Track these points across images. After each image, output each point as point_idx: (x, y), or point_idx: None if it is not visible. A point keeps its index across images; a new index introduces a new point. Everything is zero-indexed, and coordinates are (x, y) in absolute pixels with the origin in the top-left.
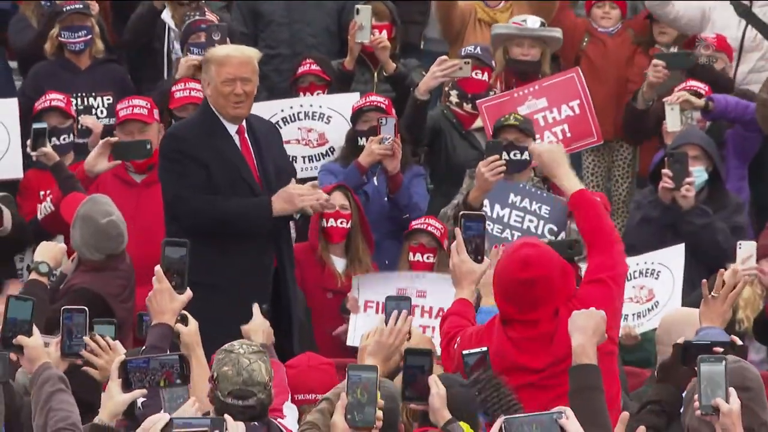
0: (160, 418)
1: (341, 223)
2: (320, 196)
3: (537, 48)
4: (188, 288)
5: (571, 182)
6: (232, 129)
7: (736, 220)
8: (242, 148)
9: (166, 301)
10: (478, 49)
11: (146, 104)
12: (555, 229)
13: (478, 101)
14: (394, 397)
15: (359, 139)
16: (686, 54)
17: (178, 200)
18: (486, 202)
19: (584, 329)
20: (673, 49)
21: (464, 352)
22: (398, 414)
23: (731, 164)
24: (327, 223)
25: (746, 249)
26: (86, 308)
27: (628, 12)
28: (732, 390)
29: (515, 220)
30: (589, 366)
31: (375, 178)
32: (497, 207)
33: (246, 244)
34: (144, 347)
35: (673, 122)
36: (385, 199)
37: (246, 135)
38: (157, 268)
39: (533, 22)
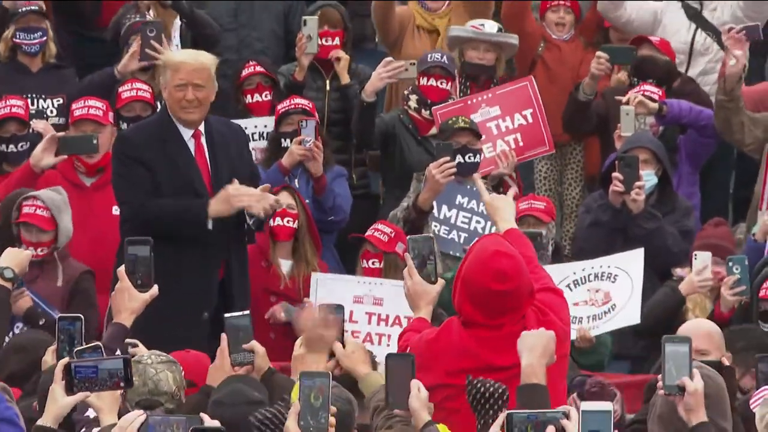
0: (137, 416)
1: (288, 222)
2: (264, 197)
3: (492, 52)
4: (155, 286)
5: (506, 225)
6: (187, 134)
7: (685, 223)
8: (196, 154)
9: (125, 300)
10: (444, 57)
11: (102, 105)
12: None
13: (433, 108)
14: (350, 400)
15: (282, 140)
16: (630, 49)
17: (123, 203)
18: (433, 203)
19: (533, 349)
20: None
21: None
22: (353, 419)
23: (683, 170)
24: (273, 222)
25: (702, 260)
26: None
27: (581, 15)
28: (696, 370)
29: (462, 222)
30: (537, 386)
31: (297, 180)
32: (444, 208)
33: (191, 252)
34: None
35: (627, 126)
36: (307, 201)
37: (202, 140)
38: (120, 267)
39: (491, 26)
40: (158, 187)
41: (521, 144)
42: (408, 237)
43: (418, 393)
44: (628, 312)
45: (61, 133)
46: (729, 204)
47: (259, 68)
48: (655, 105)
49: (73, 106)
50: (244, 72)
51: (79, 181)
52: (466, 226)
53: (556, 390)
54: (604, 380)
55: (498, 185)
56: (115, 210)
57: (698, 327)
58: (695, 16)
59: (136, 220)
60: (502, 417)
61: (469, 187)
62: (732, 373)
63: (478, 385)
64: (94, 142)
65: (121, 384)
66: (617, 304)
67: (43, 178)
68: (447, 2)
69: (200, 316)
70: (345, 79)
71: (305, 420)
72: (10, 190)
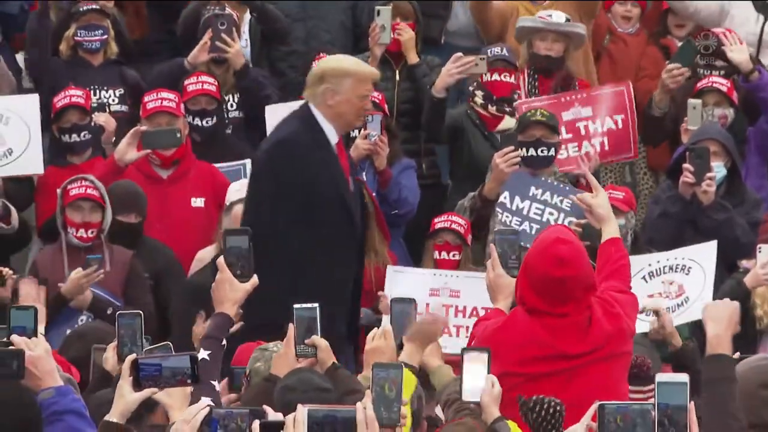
0: (201, 409)
1: None
2: None
3: (561, 43)
4: (255, 276)
5: (612, 231)
6: (333, 140)
7: (754, 215)
8: (340, 160)
9: (226, 291)
10: (504, 50)
11: (174, 97)
12: (576, 221)
13: (517, 102)
14: (419, 393)
15: (349, 132)
16: (687, 42)
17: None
18: (506, 193)
19: (720, 319)
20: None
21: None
22: (422, 411)
23: (752, 161)
24: None
25: (766, 253)
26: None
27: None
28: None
29: (535, 213)
30: (724, 356)
31: (364, 174)
32: (517, 199)
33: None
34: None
35: (694, 120)
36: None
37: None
38: (220, 258)
39: (558, 17)
40: (311, 201)
41: (607, 148)
42: (495, 230)
43: (492, 388)
44: (702, 304)
45: (144, 127)
46: None
47: None
48: (750, 65)
49: (146, 98)
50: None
51: (155, 173)
52: (539, 218)
53: (619, 385)
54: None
55: (577, 180)
56: (194, 201)
57: None
58: (764, 7)
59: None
60: (593, 408)
61: (543, 178)
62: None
63: (535, 405)
64: (178, 135)
65: (188, 381)
66: (690, 296)
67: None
68: None
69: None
70: (413, 58)
71: (378, 411)
72: None
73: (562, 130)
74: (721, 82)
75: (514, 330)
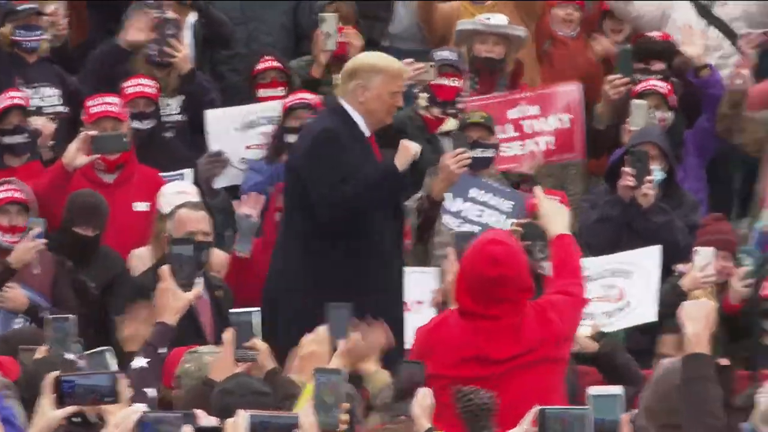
0: (132, 413)
1: None
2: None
3: (501, 46)
4: (196, 286)
5: (559, 228)
6: (367, 134)
7: (692, 218)
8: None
9: (169, 300)
10: (454, 54)
11: (118, 101)
12: (517, 222)
13: (466, 100)
14: (353, 396)
15: (287, 136)
16: (624, 51)
17: (328, 191)
18: (447, 195)
19: (698, 319)
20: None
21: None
22: (357, 415)
23: (690, 163)
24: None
25: (704, 255)
26: None
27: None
28: None
29: (475, 215)
30: (702, 356)
31: None
32: (458, 200)
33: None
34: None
35: (638, 120)
36: None
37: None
38: (163, 267)
39: (498, 19)
40: None
41: (552, 147)
42: (453, 232)
43: (422, 400)
44: (644, 309)
45: (94, 132)
46: (734, 199)
47: (275, 63)
48: (702, 60)
49: (89, 103)
50: (260, 66)
51: (99, 179)
52: (479, 219)
53: (554, 391)
54: None
55: (520, 182)
56: (138, 206)
57: None
58: (705, 12)
59: (338, 210)
60: (533, 412)
61: (483, 180)
62: (730, 372)
63: (470, 396)
64: (125, 140)
65: (107, 400)
66: (632, 301)
67: None
68: None
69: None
70: None
71: (318, 416)
72: (42, 190)
73: (509, 127)
74: (660, 85)
75: (446, 332)
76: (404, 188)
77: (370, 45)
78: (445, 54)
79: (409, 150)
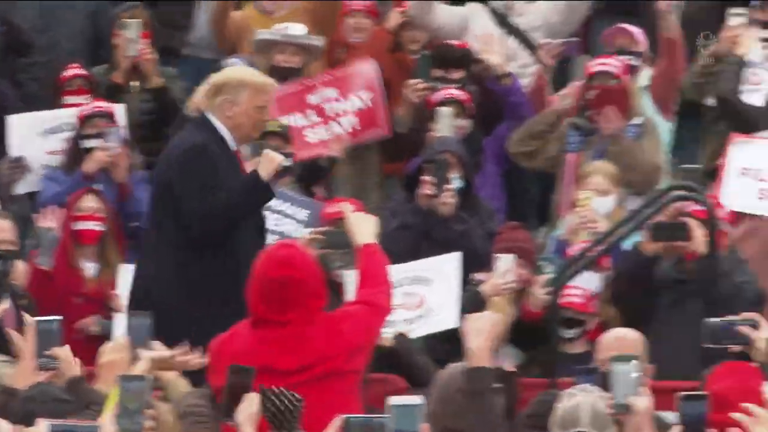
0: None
1: (94, 225)
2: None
3: (300, 56)
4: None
5: (367, 239)
6: (233, 148)
7: (489, 226)
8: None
9: None
10: (240, 60)
11: None
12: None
13: None
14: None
15: (83, 143)
16: (423, 57)
17: (195, 210)
18: None
19: (480, 332)
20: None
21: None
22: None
23: (488, 171)
24: (78, 225)
25: (504, 262)
26: None
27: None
28: (644, 389)
29: (273, 223)
30: (484, 369)
31: (102, 185)
32: None
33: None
34: None
35: (443, 127)
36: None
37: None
38: None
39: (296, 29)
40: None
41: (358, 128)
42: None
43: (247, 407)
44: (445, 316)
45: None
46: (533, 207)
47: (81, 71)
48: (504, 69)
49: None
50: (67, 74)
51: None
52: (277, 228)
53: (347, 404)
54: None
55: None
56: None
57: (625, 337)
58: (503, 22)
59: (208, 222)
60: (336, 422)
61: (280, 189)
62: (513, 379)
63: (274, 398)
64: None
65: None
66: (432, 308)
67: None
68: (286, 4)
69: None
70: (156, 80)
71: (122, 422)
72: None
73: (311, 113)
74: (459, 94)
75: (236, 342)
76: (269, 198)
77: (170, 53)
78: (233, 61)
79: (273, 160)
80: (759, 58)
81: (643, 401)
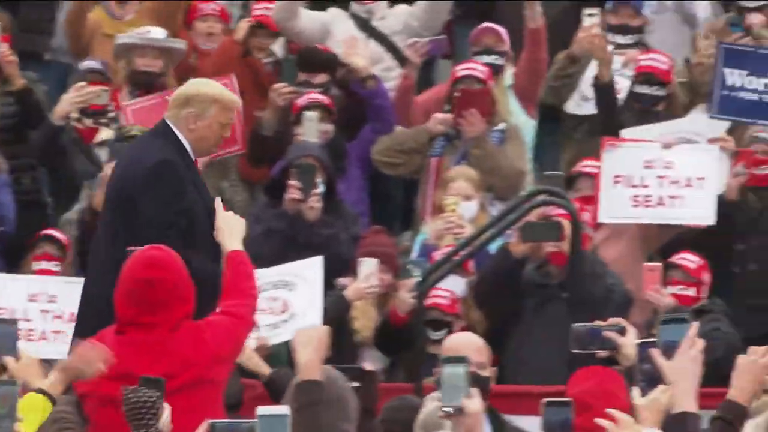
0: None
1: None
2: None
3: (161, 60)
4: None
5: (235, 243)
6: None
7: (353, 230)
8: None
9: None
10: (97, 63)
11: None
12: None
13: (124, 104)
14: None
15: None
16: (287, 60)
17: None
18: None
19: (308, 344)
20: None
21: None
22: None
23: (352, 175)
24: None
25: (368, 266)
26: None
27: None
28: (474, 390)
29: None
30: (314, 382)
31: None
32: None
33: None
34: None
35: (310, 132)
36: None
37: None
38: None
39: (157, 32)
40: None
41: None
42: None
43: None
44: (309, 320)
45: None
46: (397, 211)
47: None
48: (368, 71)
49: None
50: None
51: None
52: None
53: (211, 413)
54: None
55: None
56: None
57: (469, 341)
58: (364, 26)
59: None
60: (204, 426)
61: None
62: (371, 379)
63: (131, 395)
64: None
65: None
66: (296, 312)
67: None
68: (132, 10)
69: None
70: (19, 81)
71: None
72: None
73: None
74: (322, 98)
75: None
76: None
77: (32, 58)
78: (91, 63)
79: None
80: (615, 64)
81: (474, 403)
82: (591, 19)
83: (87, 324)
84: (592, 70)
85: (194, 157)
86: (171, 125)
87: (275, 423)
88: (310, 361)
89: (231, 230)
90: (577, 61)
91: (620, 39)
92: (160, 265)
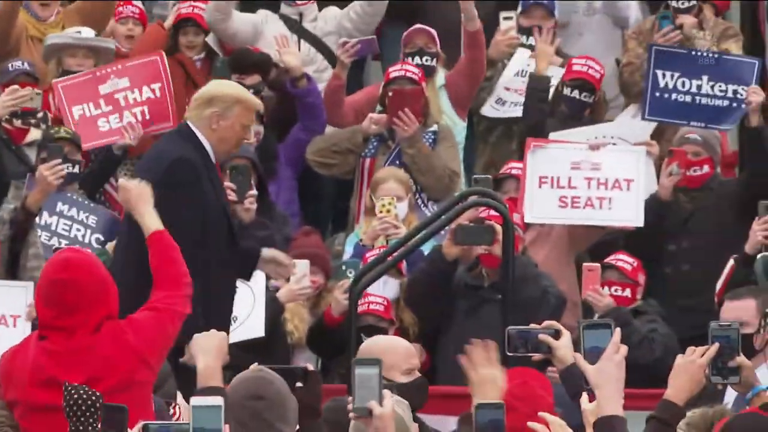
0: None
1: None
2: None
3: (91, 59)
4: None
5: (152, 221)
6: (213, 161)
7: (285, 231)
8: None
9: None
10: (26, 64)
11: None
12: (102, 238)
13: (54, 81)
14: None
15: None
16: (221, 62)
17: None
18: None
19: (207, 350)
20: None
21: None
22: None
23: (283, 175)
24: None
25: (300, 268)
26: None
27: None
28: (386, 392)
29: (63, 229)
30: (215, 389)
31: None
32: (45, 214)
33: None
34: None
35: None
36: None
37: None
38: None
39: (87, 32)
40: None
41: (147, 117)
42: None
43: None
44: (252, 325)
45: None
46: (329, 212)
47: None
48: (300, 71)
49: None
50: None
51: None
52: (67, 233)
53: (144, 416)
54: None
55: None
56: None
57: (396, 345)
58: (296, 28)
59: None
60: (137, 427)
61: (69, 194)
62: (314, 378)
63: (72, 391)
64: None
65: None
66: (239, 315)
67: None
68: (57, 11)
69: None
70: None
71: None
72: None
73: (103, 103)
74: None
75: (25, 354)
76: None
77: None
78: (17, 64)
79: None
80: (524, 66)
81: (385, 405)
82: (507, 23)
83: None
84: (508, 73)
85: (215, 159)
86: (192, 127)
87: (209, 413)
88: (209, 368)
89: (142, 198)
90: (494, 64)
91: (532, 41)
92: (74, 267)
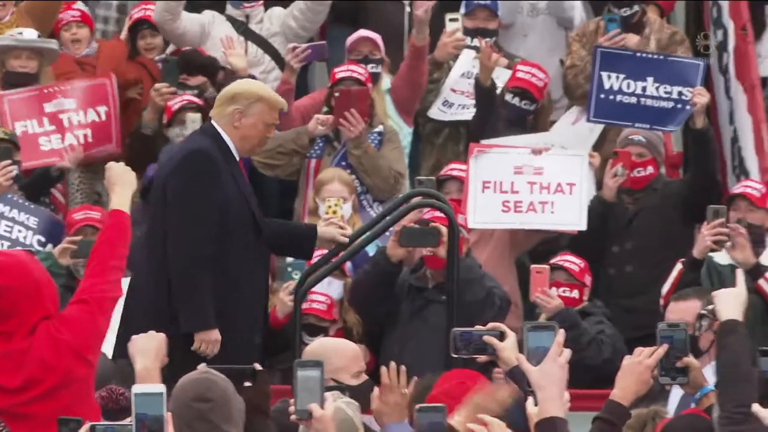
0: None
1: None
2: None
3: (35, 60)
4: None
5: (120, 201)
6: (237, 158)
7: None
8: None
9: None
10: None
11: None
12: (43, 240)
13: (1, 93)
14: None
15: None
16: (168, 62)
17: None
18: None
19: (146, 352)
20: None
21: None
22: None
23: None
24: None
25: None
26: None
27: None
28: (328, 394)
29: (4, 230)
30: (154, 393)
31: None
32: None
33: (247, 280)
34: None
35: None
36: None
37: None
38: None
39: (30, 33)
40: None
41: (90, 140)
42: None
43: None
44: None
45: None
46: (273, 213)
47: None
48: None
49: None
50: None
51: None
52: (9, 235)
53: (87, 413)
54: None
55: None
56: None
57: (345, 348)
58: (242, 29)
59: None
60: (85, 428)
61: (9, 196)
62: (263, 378)
63: None
64: None
65: None
66: None
67: None
68: (11, 11)
69: (253, 340)
70: None
71: None
72: None
73: (46, 121)
74: (196, 101)
75: None
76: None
77: None
78: None
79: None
80: (469, 67)
81: (326, 407)
82: (453, 24)
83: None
84: (454, 75)
85: (238, 157)
86: (216, 125)
87: (151, 401)
88: (146, 369)
89: (122, 179)
90: (440, 66)
91: (476, 42)
92: (4, 273)
